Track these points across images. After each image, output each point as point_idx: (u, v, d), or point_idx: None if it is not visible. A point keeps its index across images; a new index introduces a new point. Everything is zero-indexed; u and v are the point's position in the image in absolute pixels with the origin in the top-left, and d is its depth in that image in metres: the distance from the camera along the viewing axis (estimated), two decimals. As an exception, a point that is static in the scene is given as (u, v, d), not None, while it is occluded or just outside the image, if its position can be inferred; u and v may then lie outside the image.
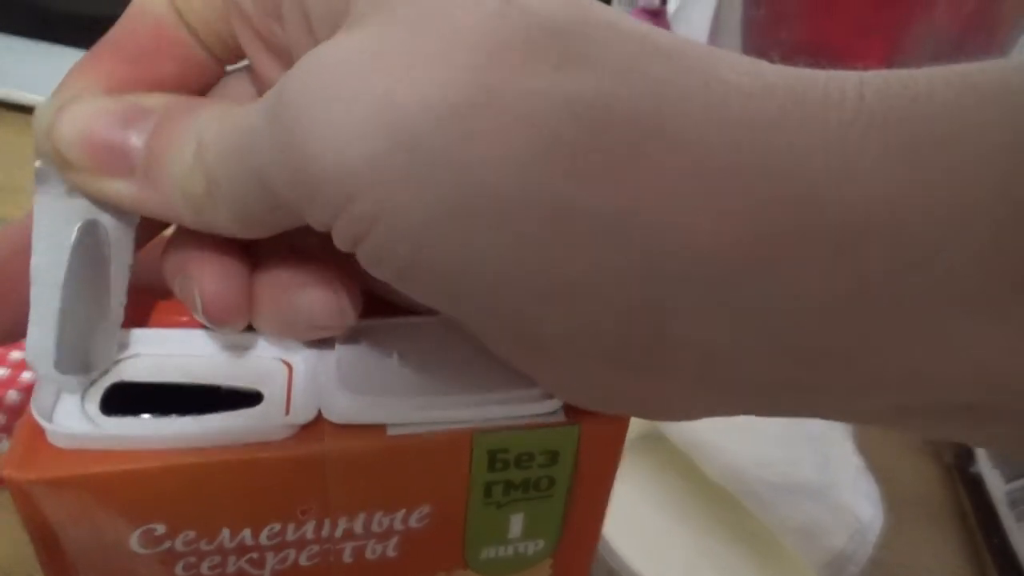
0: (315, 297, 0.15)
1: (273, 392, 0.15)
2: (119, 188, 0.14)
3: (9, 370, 0.32)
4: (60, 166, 0.14)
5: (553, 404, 0.16)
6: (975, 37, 0.40)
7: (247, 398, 0.15)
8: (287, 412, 0.15)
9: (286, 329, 0.15)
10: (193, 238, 0.15)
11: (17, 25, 0.52)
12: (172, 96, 0.15)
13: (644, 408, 0.14)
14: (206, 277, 0.15)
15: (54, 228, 0.14)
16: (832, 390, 0.12)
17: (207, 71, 0.16)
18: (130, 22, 0.15)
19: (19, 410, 0.32)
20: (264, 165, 0.12)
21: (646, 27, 0.12)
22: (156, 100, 0.14)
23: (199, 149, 0.13)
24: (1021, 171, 0.10)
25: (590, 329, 0.12)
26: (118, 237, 0.15)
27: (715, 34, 0.48)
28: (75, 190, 0.14)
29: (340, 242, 0.12)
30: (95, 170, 0.13)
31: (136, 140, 0.13)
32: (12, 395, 0.31)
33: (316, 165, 0.11)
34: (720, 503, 0.30)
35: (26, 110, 0.47)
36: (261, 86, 0.16)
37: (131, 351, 0.16)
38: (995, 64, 0.11)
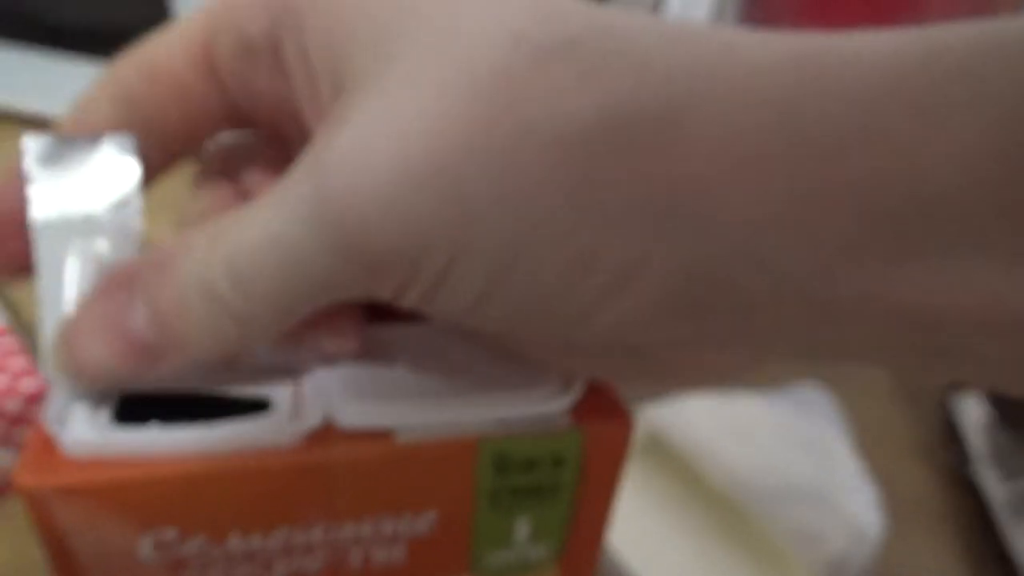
0: (321, 343, 0.15)
1: (281, 399, 0.16)
2: (167, 367, 0.13)
3: (9, 378, 0.32)
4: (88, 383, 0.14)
5: (560, 404, 0.16)
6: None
7: (255, 405, 0.16)
8: (295, 419, 0.15)
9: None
10: None
11: (10, 34, 0.52)
12: (130, 262, 0.14)
13: (682, 374, 0.15)
14: None
15: (59, 260, 0.14)
16: (835, 326, 0.12)
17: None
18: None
19: (19, 419, 0.32)
20: (311, 260, 0.12)
21: (655, 19, 0.12)
22: (125, 269, 0.13)
23: (204, 293, 0.12)
24: (1007, 118, 0.10)
25: (644, 314, 0.12)
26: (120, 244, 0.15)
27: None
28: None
29: (410, 303, 0.13)
30: (140, 371, 0.13)
31: (140, 331, 0.13)
32: (12, 404, 0.31)
33: (382, 248, 0.11)
34: (719, 508, 0.31)
35: (20, 119, 0.48)
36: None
37: None
38: (1000, 24, 0.11)
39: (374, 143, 0.11)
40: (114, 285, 0.13)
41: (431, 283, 0.12)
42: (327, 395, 0.16)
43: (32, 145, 0.14)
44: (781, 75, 0.11)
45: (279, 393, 0.16)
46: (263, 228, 0.12)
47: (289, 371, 0.16)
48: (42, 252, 0.14)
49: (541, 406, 0.16)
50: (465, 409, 0.16)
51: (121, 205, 0.15)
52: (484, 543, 0.17)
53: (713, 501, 0.30)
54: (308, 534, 0.16)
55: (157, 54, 0.15)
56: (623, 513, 0.30)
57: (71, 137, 0.15)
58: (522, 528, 0.17)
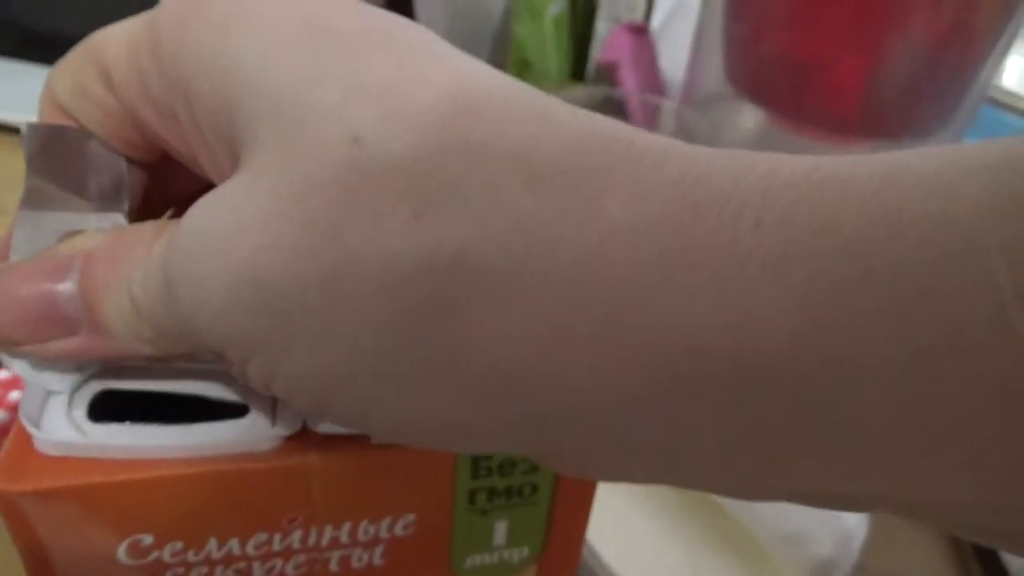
0: None
1: (259, 403, 0.16)
2: (69, 346, 0.13)
3: (-3, 389, 0.32)
4: (8, 348, 0.13)
5: None
6: (952, 50, 0.41)
7: (234, 409, 0.16)
8: (273, 423, 0.15)
9: None
10: None
11: (1, 46, 0.52)
12: (93, 236, 0.13)
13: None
14: None
15: (35, 240, 0.14)
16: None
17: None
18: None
19: (4, 430, 0.32)
20: (165, 325, 0.12)
21: (523, 138, 0.10)
22: (79, 244, 0.13)
23: (132, 303, 0.13)
24: (932, 318, 0.09)
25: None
26: None
27: (697, 50, 0.48)
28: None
29: (252, 382, 0.12)
30: (45, 340, 0.13)
31: (68, 302, 0.13)
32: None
33: (205, 334, 0.12)
34: (706, 510, 0.31)
35: (11, 131, 0.47)
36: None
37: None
38: (917, 185, 0.09)
39: (212, 240, 0.11)
40: (54, 257, 0.13)
41: (260, 378, 0.12)
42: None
43: (31, 133, 0.14)
44: (644, 241, 0.10)
45: (258, 397, 0.16)
46: (144, 267, 0.12)
47: None
48: (16, 239, 0.14)
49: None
50: None
51: (107, 200, 0.15)
52: (463, 546, 0.17)
53: (700, 504, 0.30)
54: (287, 539, 0.16)
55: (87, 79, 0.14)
56: (609, 515, 0.30)
57: (67, 129, 0.15)
58: (501, 530, 0.17)
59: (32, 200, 0.14)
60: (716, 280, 0.09)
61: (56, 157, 0.14)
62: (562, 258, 0.10)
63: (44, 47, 0.51)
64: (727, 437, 0.10)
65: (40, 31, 0.52)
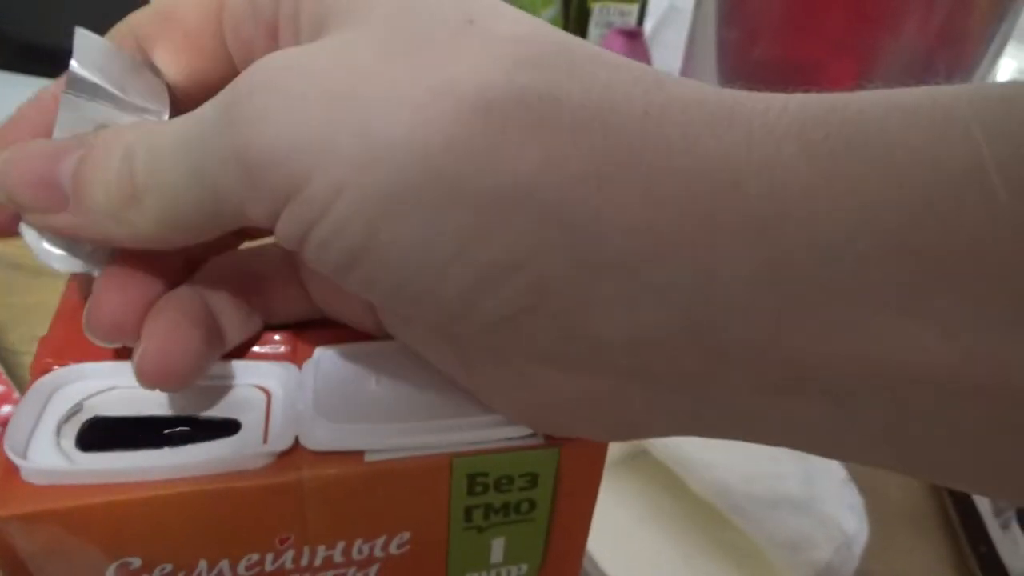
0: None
1: (251, 420, 0.15)
2: (61, 221, 0.14)
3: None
4: (14, 208, 0.14)
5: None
6: (944, 53, 0.41)
7: (225, 427, 0.15)
8: (265, 441, 0.15)
9: None
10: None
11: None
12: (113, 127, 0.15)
13: (595, 420, 0.15)
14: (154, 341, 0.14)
15: (75, 123, 0.14)
16: (741, 384, 0.12)
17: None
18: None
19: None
20: (208, 157, 0.12)
21: (598, 49, 0.13)
22: (98, 132, 0.14)
23: (125, 155, 0.13)
24: (921, 173, 0.10)
25: (520, 320, 0.12)
26: None
27: (690, 54, 0.48)
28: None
29: (287, 232, 0.12)
30: (40, 208, 0.14)
31: (65, 173, 0.14)
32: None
33: (271, 145, 0.12)
34: (707, 518, 0.30)
35: None
36: None
37: (107, 383, 0.16)
38: (908, 92, 0.12)
39: (300, 61, 0.12)
40: (76, 139, 0.14)
41: (311, 211, 0.12)
42: (297, 417, 0.15)
43: (83, 39, 0.15)
44: (695, 108, 0.12)
45: (249, 414, 0.16)
46: (184, 120, 0.13)
47: (260, 392, 0.16)
48: (60, 118, 0.14)
49: (514, 425, 0.16)
50: (436, 430, 0.15)
51: (148, 110, 0.15)
52: (460, 564, 0.17)
53: (700, 511, 0.30)
54: (279, 560, 0.15)
55: (176, 2, 0.15)
56: (610, 525, 0.30)
57: (118, 48, 0.15)
58: (498, 548, 0.17)
59: (75, 87, 0.14)
60: (751, 136, 0.11)
61: (106, 61, 0.15)
62: (630, 109, 0.12)
63: (33, 59, 0.50)
64: (753, 276, 0.11)
65: (29, 43, 0.52)
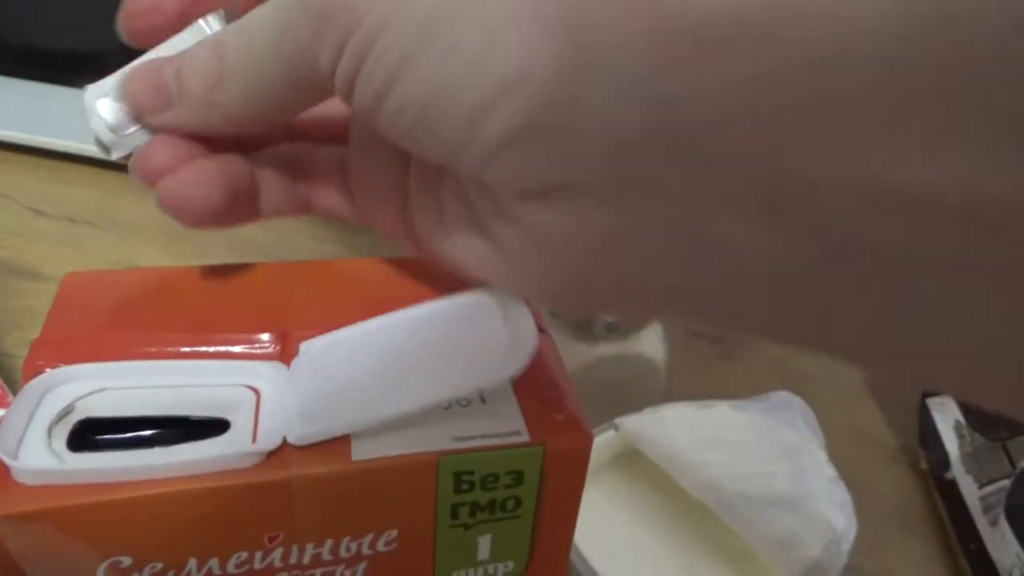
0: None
1: (240, 420, 0.16)
2: (168, 117, 0.16)
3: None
4: (138, 111, 0.17)
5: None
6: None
7: (215, 426, 0.16)
8: (254, 440, 0.15)
9: None
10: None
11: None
12: None
13: (599, 278, 0.15)
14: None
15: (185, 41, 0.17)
16: (723, 207, 0.13)
17: None
18: None
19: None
20: (290, 12, 0.14)
21: None
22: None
23: (215, 45, 0.16)
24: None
25: (515, 145, 0.13)
26: None
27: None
28: None
29: (344, 71, 0.14)
30: (152, 108, 0.17)
31: (170, 75, 0.16)
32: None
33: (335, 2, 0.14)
34: (697, 517, 0.31)
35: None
36: None
37: (97, 385, 0.16)
38: None
39: None
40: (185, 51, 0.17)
41: (364, 45, 0.14)
42: (285, 415, 0.16)
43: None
44: None
45: (239, 414, 0.16)
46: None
47: (250, 391, 0.16)
48: (176, 38, 0.17)
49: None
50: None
51: None
52: (447, 561, 0.17)
53: (691, 510, 0.30)
54: (268, 557, 0.16)
55: None
56: (600, 523, 0.30)
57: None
58: (485, 545, 0.17)
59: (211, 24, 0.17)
60: None
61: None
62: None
63: (31, 63, 0.51)
64: (742, 85, 0.12)
65: (27, 47, 0.52)
